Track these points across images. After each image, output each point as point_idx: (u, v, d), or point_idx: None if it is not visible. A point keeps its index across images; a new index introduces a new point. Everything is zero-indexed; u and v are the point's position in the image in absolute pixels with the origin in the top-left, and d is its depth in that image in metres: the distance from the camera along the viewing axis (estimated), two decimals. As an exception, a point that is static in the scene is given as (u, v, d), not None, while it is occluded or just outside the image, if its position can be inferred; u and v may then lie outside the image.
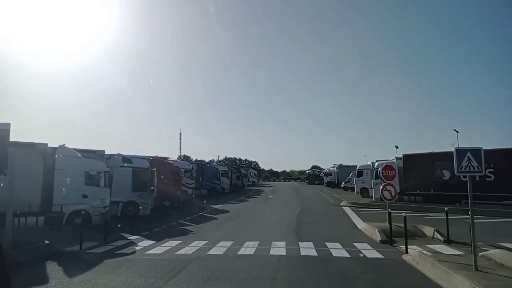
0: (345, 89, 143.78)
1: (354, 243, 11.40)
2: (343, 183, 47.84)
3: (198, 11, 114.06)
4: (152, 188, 18.92)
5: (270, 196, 35.96)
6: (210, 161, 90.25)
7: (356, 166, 51.31)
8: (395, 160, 25.89)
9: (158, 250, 10.44)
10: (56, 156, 13.76)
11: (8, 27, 67.98)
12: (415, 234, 12.87)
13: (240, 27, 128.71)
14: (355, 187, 34.44)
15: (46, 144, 13.62)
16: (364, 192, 33.49)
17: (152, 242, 11.74)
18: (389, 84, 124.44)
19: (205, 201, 26.20)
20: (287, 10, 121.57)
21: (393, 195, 13.99)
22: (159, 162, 22.67)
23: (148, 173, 18.94)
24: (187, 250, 10.37)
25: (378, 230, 12.52)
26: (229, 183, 40.18)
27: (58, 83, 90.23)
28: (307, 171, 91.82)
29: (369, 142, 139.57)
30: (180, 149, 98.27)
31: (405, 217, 10.35)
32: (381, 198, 14.21)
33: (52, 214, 13.38)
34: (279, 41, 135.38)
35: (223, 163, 71.85)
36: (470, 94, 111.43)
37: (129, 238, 12.59)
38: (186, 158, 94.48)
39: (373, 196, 26.63)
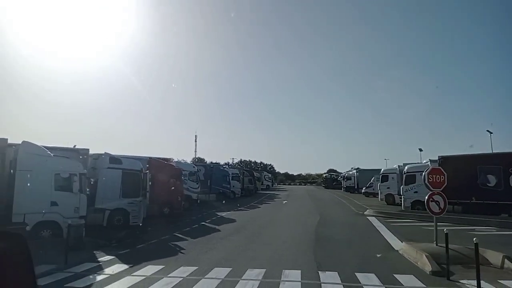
0: (361, 90, 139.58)
1: (395, 275, 8.29)
2: (364, 188, 44.22)
3: (215, 15, 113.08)
4: (144, 193, 16.24)
5: (284, 202, 32.91)
6: (225, 163, 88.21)
7: (378, 169, 47.60)
8: (429, 163, 22.38)
9: (121, 285, 7.58)
10: (18, 154, 11.23)
11: (25, 28, 67.83)
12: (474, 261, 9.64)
13: (253, 31, 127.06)
14: (379, 193, 30.94)
15: (6, 139, 11.12)
16: (390, 198, 29.99)
17: (124, 267, 8.94)
18: (406, 84, 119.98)
19: (212, 208, 23.47)
20: (301, 15, 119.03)
21: (442, 207, 10.83)
22: (157, 164, 20.05)
23: (141, 176, 16.30)
24: (163, 284, 7.51)
25: (426, 256, 9.32)
26: (240, 187, 37.34)
27: (74, 83, 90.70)
28: (324, 175, 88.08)
29: (387, 145, 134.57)
30: (196, 151, 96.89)
31: (476, 243, 7.15)
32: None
33: (11, 226, 10.82)
34: (292, 44, 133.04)
35: (237, 166, 69.21)
36: (491, 94, 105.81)
37: (100, 259, 9.85)
38: (200, 160, 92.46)
39: (402, 204, 23.18)
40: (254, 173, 50.50)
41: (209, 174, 31.67)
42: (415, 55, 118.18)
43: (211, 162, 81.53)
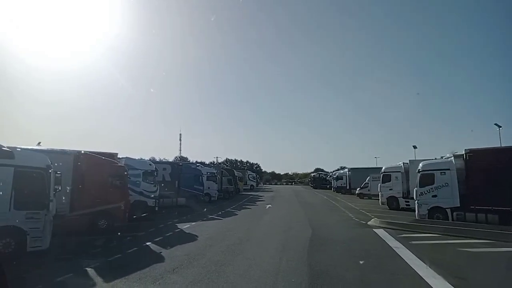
0: (346, 90, 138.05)
1: None
2: (358, 189, 39.47)
3: (199, 16, 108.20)
4: (48, 204, 10.70)
5: (267, 207, 27.67)
6: (211, 163, 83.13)
7: (373, 168, 43.00)
8: (452, 158, 17.56)
9: None
10: None
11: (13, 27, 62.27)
12: None
13: (238, 31, 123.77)
14: (379, 195, 26.05)
15: None
16: (392, 202, 25.18)
17: None
18: (393, 84, 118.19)
19: (175, 217, 18.03)
20: (286, 15, 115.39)
21: None
22: (90, 160, 14.52)
23: (46, 178, 10.76)
24: None
25: None
26: (217, 188, 31.93)
27: (60, 81, 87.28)
28: (312, 174, 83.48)
29: (375, 144, 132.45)
30: (180, 150, 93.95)
31: None
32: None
33: None
34: (277, 45, 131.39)
35: (221, 165, 63.70)
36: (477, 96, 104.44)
37: None
38: (183, 159, 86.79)
39: (416, 212, 18.27)
40: (235, 172, 45.12)
41: (176, 173, 26.16)
42: (402, 56, 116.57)
43: (196, 162, 76.04)
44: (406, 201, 24.18)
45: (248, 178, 63.43)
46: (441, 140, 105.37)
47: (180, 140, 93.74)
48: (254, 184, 64.03)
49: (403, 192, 24.47)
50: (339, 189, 48.24)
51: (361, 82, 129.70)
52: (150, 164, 19.91)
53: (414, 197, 18.44)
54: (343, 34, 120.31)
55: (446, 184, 17.30)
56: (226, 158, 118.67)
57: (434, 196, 17.59)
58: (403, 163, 24.90)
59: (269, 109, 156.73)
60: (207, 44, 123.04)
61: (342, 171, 50.14)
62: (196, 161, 71.36)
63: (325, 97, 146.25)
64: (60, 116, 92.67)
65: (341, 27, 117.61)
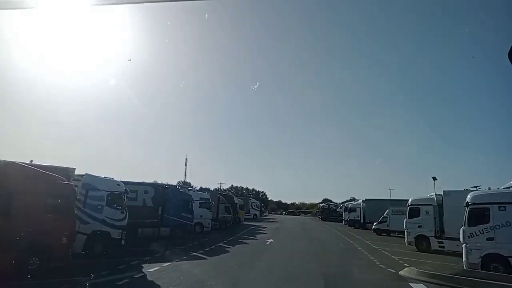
0: (356, 120, 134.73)
1: None
2: (375, 223, 34.46)
3: (213, 39, 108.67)
4: None
5: (268, 242, 22.96)
6: (216, 189, 78.39)
7: (390, 200, 38.19)
8: (516, 188, 13.12)
9: None
10: None
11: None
12: None
13: (248, 56, 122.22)
14: (406, 233, 21.22)
15: None
16: (422, 242, 20.39)
17: None
18: (401, 118, 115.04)
19: (145, 253, 13.68)
20: (294, 40, 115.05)
21: None
22: (20, 174, 10.51)
23: None
24: None
25: None
26: (210, 217, 27.50)
27: (66, 100, 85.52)
28: (321, 205, 78.00)
29: (386, 176, 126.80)
30: (185, 175, 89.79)
31: None
32: None
33: None
34: (286, 74, 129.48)
35: (217, 191, 59.19)
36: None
37: None
38: (187, 184, 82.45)
39: (464, 258, 13.55)
40: (236, 199, 40.57)
41: (161, 198, 22.00)
42: (409, 93, 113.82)
43: (201, 188, 71.71)
44: (439, 242, 19.46)
45: (251, 206, 58.60)
46: (460, 172, 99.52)
47: (185, 165, 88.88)
48: (258, 213, 59.05)
49: (435, 231, 19.77)
50: (351, 223, 43.09)
51: (371, 115, 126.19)
52: (118, 185, 15.75)
53: (461, 239, 13.81)
54: (356, 65, 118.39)
55: (508, 224, 12.76)
56: (232, 185, 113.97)
57: (490, 239, 12.99)
58: (436, 194, 20.35)
59: (277, 138, 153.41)
60: (215, 69, 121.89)
61: (355, 202, 45.20)
62: (201, 187, 67.13)
63: (334, 127, 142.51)
64: (63, 137, 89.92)
65: (356, 56, 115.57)
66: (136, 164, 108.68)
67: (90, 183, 14.50)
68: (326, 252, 19.33)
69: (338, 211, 63.49)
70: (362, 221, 41.74)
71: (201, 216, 26.93)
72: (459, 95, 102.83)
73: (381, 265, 14.93)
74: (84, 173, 14.83)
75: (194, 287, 10.07)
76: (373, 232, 33.74)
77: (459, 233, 14.01)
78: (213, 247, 19.07)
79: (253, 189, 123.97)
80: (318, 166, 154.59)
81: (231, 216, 33.01)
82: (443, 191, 19.61)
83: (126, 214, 15.45)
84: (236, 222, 38.94)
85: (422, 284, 11.45)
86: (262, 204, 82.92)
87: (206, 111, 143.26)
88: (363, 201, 42.52)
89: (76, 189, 13.08)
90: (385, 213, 32.85)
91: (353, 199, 64.76)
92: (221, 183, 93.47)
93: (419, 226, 20.36)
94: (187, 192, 23.57)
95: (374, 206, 39.59)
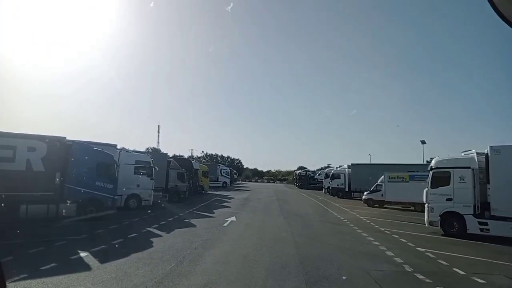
0: (335, 87, 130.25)
1: None
2: (366, 193, 28.19)
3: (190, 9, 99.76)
4: None
5: (226, 222, 15.76)
6: (189, 157, 71.29)
7: (383, 165, 32.00)
8: None
9: None
10: None
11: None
12: None
13: (224, 28, 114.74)
14: (427, 209, 14.42)
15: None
16: (452, 223, 13.86)
17: None
18: (379, 86, 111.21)
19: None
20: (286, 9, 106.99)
21: None
22: None
23: None
24: None
25: None
26: (152, 187, 19.89)
27: (52, 72, 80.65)
28: (298, 171, 72.20)
29: (363, 144, 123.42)
30: (158, 142, 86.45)
31: None
32: None
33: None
34: (261, 43, 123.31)
35: (192, 159, 51.36)
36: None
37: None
38: (155, 151, 74.01)
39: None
40: (195, 163, 32.89)
41: (59, 159, 14.05)
42: (390, 58, 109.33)
43: (174, 155, 63.62)
44: (481, 223, 12.95)
45: (221, 173, 51.46)
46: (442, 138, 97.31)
47: (158, 132, 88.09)
48: (227, 181, 52.02)
49: (475, 206, 13.18)
50: (334, 191, 36.83)
51: (349, 82, 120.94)
52: None
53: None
54: (334, 34, 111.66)
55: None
56: (206, 152, 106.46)
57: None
58: (477, 153, 13.53)
59: (253, 106, 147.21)
60: (194, 41, 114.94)
61: (339, 168, 38.90)
62: (174, 155, 59.52)
63: (313, 95, 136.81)
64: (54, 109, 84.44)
65: (330, 27, 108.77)
66: (109, 131, 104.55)
67: None
68: (314, 240, 12.39)
69: (317, 178, 57.75)
70: (347, 189, 35.60)
71: (138, 185, 19.35)
72: (438, 58, 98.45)
73: (418, 274, 8.07)
74: None
75: None
76: (364, 203, 27.53)
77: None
78: (132, 236, 11.69)
79: (228, 157, 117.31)
80: (293, 134, 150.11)
81: (186, 185, 25.51)
82: (490, 146, 12.88)
83: None
84: (197, 192, 31.71)
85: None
86: (235, 172, 76.19)
87: (182, 79, 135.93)
88: (348, 166, 36.14)
89: None
90: (379, 180, 26.51)
91: (329, 166, 59.10)
92: (192, 149, 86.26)
93: (448, 199, 13.68)
94: (104, 151, 15.60)
95: (362, 172, 33.39)
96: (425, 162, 46.99)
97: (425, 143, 48.84)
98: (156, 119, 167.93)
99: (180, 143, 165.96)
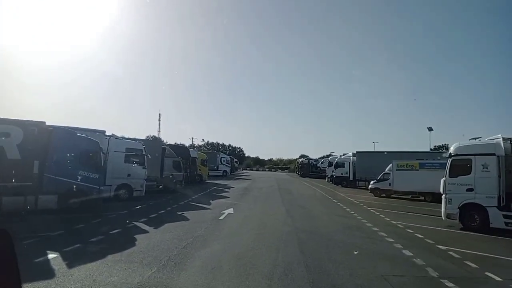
0: (338, 78, 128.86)
1: None
2: (372, 182, 26.79)
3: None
4: None
5: (223, 215, 14.45)
6: (190, 145, 70.34)
7: (390, 152, 30.57)
8: None
9: None
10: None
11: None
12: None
13: (225, 16, 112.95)
14: (444, 200, 13.05)
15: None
16: (473, 216, 12.48)
17: None
18: (385, 76, 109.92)
19: None
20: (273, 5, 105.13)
21: None
22: None
23: None
24: None
25: None
26: (144, 176, 18.55)
27: (52, 61, 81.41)
28: (300, 160, 70.90)
29: (366, 132, 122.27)
30: (159, 131, 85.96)
31: None
32: None
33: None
34: (264, 33, 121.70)
35: (192, 148, 50.12)
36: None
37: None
38: (155, 139, 72.92)
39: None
40: (192, 151, 31.54)
41: (37, 146, 12.68)
42: (394, 48, 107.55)
43: (175, 143, 62.55)
44: (506, 216, 11.56)
45: (221, 162, 50.16)
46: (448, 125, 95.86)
47: (159, 120, 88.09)
48: (228, 170, 50.75)
49: (499, 198, 11.76)
50: (338, 180, 35.53)
51: (352, 72, 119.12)
52: None
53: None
54: (338, 24, 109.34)
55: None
56: (207, 141, 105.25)
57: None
58: (503, 138, 12.04)
59: (255, 94, 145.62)
60: (193, 29, 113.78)
61: (343, 156, 37.52)
62: (175, 143, 58.45)
63: (315, 86, 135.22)
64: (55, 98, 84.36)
65: (335, 17, 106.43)
66: (109, 120, 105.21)
67: None
68: (319, 236, 11.06)
69: (319, 167, 56.41)
70: (351, 178, 34.26)
71: (128, 175, 18.01)
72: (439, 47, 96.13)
73: (445, 281, 6.71)
74: None
75: None
76: (370, 192, 26.19)
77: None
78: (114, 232, 10.37)
79: (229, 145, 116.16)
80: (295, 123, 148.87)
81: (182, 174, 24.18)
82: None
83: None
84: (195, 181, 30.44)
85: None
86: (236, 160, 74.98)
87: (183, 67, 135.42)
88: (353, 154, 34.70)
89: None
90: (386, 169, 25.10)
91: (331, 154, 57.71)
92: (192, 138, 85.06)
93: (469, 190, 12.27)
94: (88, 137, 14.14)
95: (368, 160, 31.96)
96: (430, 150, 45.65)
97: (432, 130, 47.28)
98: (157, 107, 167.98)
99: (182, 132, 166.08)
